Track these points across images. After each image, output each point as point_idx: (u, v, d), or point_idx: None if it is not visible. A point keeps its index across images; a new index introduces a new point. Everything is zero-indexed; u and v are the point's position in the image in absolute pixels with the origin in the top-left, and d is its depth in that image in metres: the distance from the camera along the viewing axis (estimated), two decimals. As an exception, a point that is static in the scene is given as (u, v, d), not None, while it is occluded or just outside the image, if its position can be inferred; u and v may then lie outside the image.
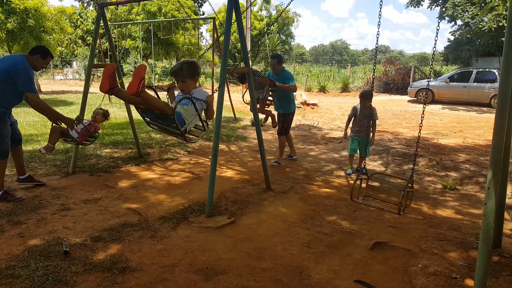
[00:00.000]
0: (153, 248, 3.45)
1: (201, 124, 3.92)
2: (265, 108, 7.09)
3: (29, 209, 4.23)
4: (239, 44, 4.93)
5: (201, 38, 36.57)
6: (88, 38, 30.85)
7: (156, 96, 3.71)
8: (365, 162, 4.33)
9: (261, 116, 7.71)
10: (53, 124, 4.99)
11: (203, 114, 3.79)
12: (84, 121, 5.32)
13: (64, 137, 5.15)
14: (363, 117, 6.09)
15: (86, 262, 3.14)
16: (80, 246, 3.41)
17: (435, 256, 3.49)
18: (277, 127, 6.71)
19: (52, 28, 16.08)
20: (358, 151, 6.20)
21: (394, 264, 3.34)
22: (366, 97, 6.06)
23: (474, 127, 11.10)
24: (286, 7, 5.41)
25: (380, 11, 3.53)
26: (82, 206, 4.40)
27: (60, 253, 3.26)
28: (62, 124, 4.94)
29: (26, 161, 6.02)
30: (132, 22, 19.27)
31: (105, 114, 5.73)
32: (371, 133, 6.16)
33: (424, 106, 3.87)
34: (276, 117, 7.48)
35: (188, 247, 3.48)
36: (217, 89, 4.25)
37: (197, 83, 3.97)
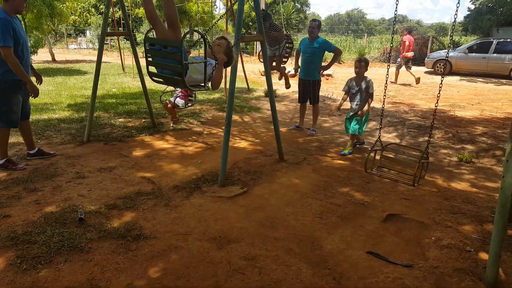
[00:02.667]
0: (167, 216, 3.50)
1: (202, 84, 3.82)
2: (281, 65, 7.06)
3: (45, 176, 4.30)
4: (253, 13, 4.78)
5: (215, 6, 35.90)
6: (101, 6, 30.55)
7: None
8: (380, 134, 4.22)
9: (277, 74, 7.70)
10: (163, 102, 6.55)
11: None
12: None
13: (176, 107, 6.53)
14: (358, 91, 5.52)
15: (100, 229, 3.21)
16: (95, 214, 3.47)
17: (448, 229, 3.46)
18: (310, 97, 6.70)
19: (65, -4, 15.92)
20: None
21: (407, 236, 3.34)
22: (362, 61, 5.50)
23: (492, 100, 10.80)
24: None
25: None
26: (96, 174, 4.46)
27: (75, 220, 3.33)
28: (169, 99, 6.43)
29: (41, 130, 6.11)
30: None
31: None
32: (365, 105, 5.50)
33: (442, 77, 3.74)
34: (288, 79, 7.43)
35: (201, 216, 3.52)
36: (234, 44, 4.11)
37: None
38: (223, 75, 7.32)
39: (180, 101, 6.63)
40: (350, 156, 5.51)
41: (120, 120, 7.07)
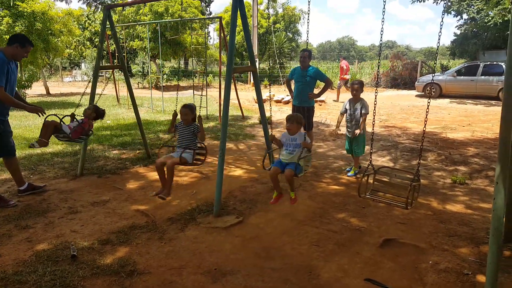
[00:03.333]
0: (161, 250, 3.45)
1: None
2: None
3: (37, 213, 4.26)
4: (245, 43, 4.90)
5: (208, 37, 36.60)
6: (96, 39, 31.05)
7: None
8: (371, 158, 4.23)
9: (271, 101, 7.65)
10: (46, 119, 4.93)
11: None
12: (80, 119, 5.29)
13: (57, 133, 5.01)
14: (354, 112, 5.72)
15: (93, 266, 3.15)
16: (88, 250, 3.42)
17: (445, 252, 3.45)
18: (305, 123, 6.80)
19: (60, 31, 16.17)
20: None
21: (404, 261, 3.31)
22: (355, 84, 5.74)
23: (482, 121, 10.96)
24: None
25: (384, 7, 3.48)
26: (90, 208, 4.42)
27: (67, 257, 3.28)
28: (54, 118, 5.03)
29: (34, 165, 6.08)
30: (139, 23, 19.35)
31: (97, 111, 5.36)
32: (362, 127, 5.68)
33: (429, 100, 3.79)
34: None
35: (196, 248, 3.48)
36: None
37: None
38: (217, 98, 7.39)
39: (67, 129, 5.07)
40: (345, 181, 5.51)
41: (114, 152, 7.07)
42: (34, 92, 19.53)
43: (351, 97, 5.82)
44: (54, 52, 16.22)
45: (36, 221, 4.04)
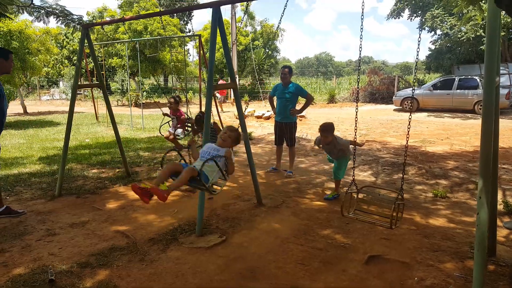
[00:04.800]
0: (143, 272, 3.34)
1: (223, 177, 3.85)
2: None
3: (13, 235, 4.09)
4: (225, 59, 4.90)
5: (188, 54, 36.66)
6: (74, 58, 30.73)
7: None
8: (353, 176, 4.20)
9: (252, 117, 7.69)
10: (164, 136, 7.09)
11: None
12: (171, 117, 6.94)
13: (177, 137, 6.85)
14: (329, 150, 5.29)
15: (72, 290, 3.02)
16: (66, 274, 3.29)
17: (430, 267, 3.45)
18: (287, 139, 6.84)
19: (37, 49, 15.94)
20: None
21: (390, 278, 3.29)
22: (324, 130, 5.08)
23: (460, 134, 11.22)
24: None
25: (362, 24, 3.55)
26: (68, 230, 4.27)
27: (45, 281, 3.14)
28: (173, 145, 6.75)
29: (11, 186, 5.88)
30: (118, 41, 19.27)
31: (174, 98, 6.88)
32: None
33: (410, 116, 3.85)
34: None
35: (178, 270, 3.39)
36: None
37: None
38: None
39: (179, 131, 6.88)
40: (328, 196, 5.49)
41: (93, 171, 6.90)
42: (11, 111, 19.07)
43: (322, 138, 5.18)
44: (31, 71, 15.95)
45: (12, 244, 3.87)
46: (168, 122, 7.14)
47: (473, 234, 3.99)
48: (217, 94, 20.43)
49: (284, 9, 4.29)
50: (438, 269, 3.41)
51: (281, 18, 4.40)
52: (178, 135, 6.94)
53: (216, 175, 3.56)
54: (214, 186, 3.68)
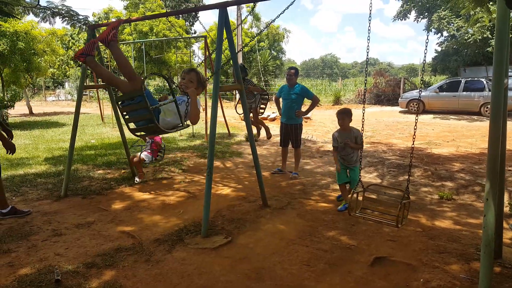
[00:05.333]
0: (148, 273, 3.35)
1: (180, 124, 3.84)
2: (258, 117, 7.16)
3: (19, 236, 4.11)
4: (232, 61, 4.90)
5: (193, 56, 36.75)
6: (80, 59, 30.89)
7: None
8: (360, 175, 4.24)
9: (254, 131, 7.75)
10: (130, 159, 6.25)
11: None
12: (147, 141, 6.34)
13: (143, 162, 6.22)
14: (346, 144, 4.96)
15: (78, 290, 3.03)
16: (73, 274, 3.30)
17: (436, 269, 3.43)
18: (292, 140, 6.79)
19: (43, 50, 16.05)
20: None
21: (396, 280, 3.28)
22: (342, 112, 5.02)
23: (466, 136, 11.16)
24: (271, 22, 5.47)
25: (369, 25, 3.54)
26: (74, 231, 4.29)
27: (51, 282, 3.15)
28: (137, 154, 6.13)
29: (17, 186, 5.92)
30: (123, 42, 19.35)
31: None
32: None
33: (417, 117, 3.84)
34: (268, 129, 7.56)
35: (184, 271, 3.39)
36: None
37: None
38: (203, 116, 7.38)
39: (147, 156, 6.21)
40: (334, 198, 5.49)
41: (99, 172, 6.94)
42: (17, 112, 19.23)
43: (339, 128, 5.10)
44: (37, 72, 16.07)
45: (18, 245, 3.90)
46: (141, 145, 6.52)
47: (479, 236, 3.97)
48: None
49: (285, 9, 4.31)
50: (444, 271, 3.39)
51: (279, 14, 4.42)
52: (145, 160, 6.22)
53: (173, 118, 3.54)
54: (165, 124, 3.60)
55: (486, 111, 15.93)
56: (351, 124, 5.08)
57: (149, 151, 6.26)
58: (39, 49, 15.61)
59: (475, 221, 4.60)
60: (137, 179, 6.27)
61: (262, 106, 7.70)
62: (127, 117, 3.69)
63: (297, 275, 3.35)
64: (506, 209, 4.65)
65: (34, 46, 15.25)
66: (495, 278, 3.17)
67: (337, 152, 5.08)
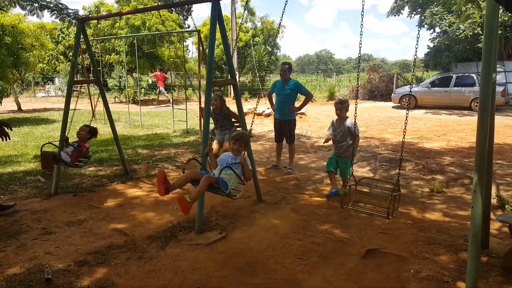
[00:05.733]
0: (141, 269, 3.34)
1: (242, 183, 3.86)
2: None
3: (8, 235, 4.07)
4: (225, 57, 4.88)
5: (187, 50, 36.51)
6: (70, 53, 30.52)
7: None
8: (352, 169, 4.26)
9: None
10: (42, 149, 5.09)
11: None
12: (73, 142, 5.37)
13: (56, 161, 5.12)
14: (340, 132, 5.27)
15: (70, 288, 3.02)
16: (63, 272, 3.28)
17: (426, 260, 3.48)
18: (286, 136, 6.82)
19: (31, 45, 15.75)
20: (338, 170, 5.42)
21: (387, 271, 3.32)
22: (340, 102, 5.33)
23: (456, 130, 11.26)
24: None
25: (362, 20, 3.55)
26: (65, 229, 4.26)
27: (41, 281, 3.13)
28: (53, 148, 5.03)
29: (5, 184, 5.86)
30: (115, 36, 19.11)
31: (92, 131, 5.60)
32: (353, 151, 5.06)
33: (407, 112, 3.88)
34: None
35: (177, 267, 3.39)
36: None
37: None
38: (197, 112, 7.21)
39: (65, 156, 5.18)
40: (327, 193, 5.50)
41: (91, 169, 6.89)
42: (5, 108, 18.95)
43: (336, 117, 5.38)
44: (25, 67, 15.77)
45: (7, 244, 3.85)
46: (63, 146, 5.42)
47: (467, 227, 4.02)
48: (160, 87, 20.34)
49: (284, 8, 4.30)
50: (434, 261, 3.45)
51: (282, 15, 4.42)
52: (62, 160, 5.13)
53: (235, 181, 3.66)
54: (234, 191, 3.72)
55: (476, 106, 16.06)
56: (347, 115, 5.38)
57: (69, 152, 5.24)
58: (27, 44, 15.31)
59: (464, 213, 4.67)
60: (40, 177, 5.00)
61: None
62: None
63: (291, 268, 3.38)
64: (494, 201, 4.72)
65: (22, 40, 14.92)
66: (482, 268, 3.23)
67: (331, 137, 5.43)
